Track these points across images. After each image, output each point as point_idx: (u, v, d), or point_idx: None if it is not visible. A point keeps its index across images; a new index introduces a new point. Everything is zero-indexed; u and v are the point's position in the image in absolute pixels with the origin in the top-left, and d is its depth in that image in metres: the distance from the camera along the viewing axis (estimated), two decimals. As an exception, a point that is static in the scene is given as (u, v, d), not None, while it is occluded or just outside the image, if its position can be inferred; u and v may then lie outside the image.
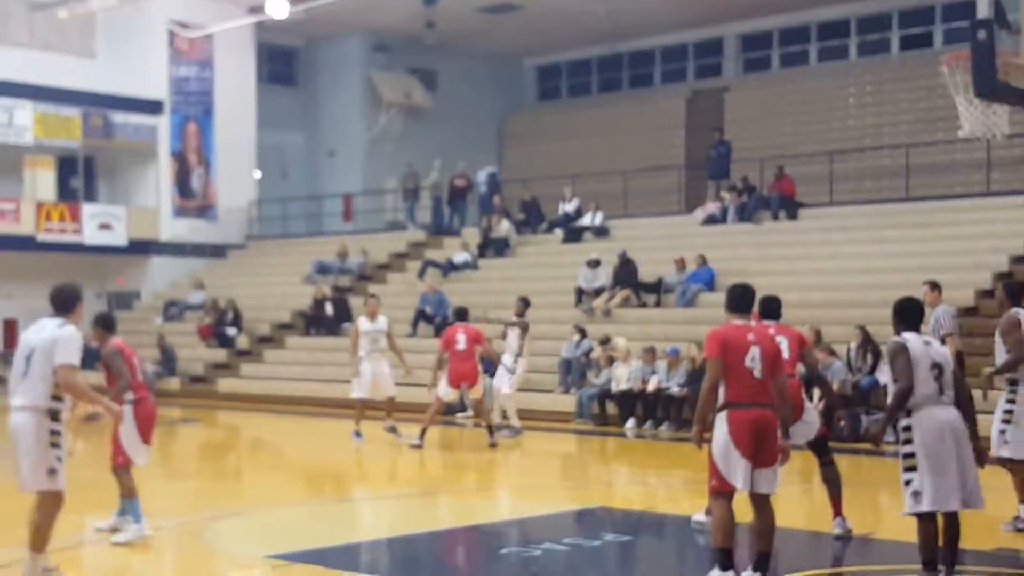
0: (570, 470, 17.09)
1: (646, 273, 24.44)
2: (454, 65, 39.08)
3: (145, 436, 10.33)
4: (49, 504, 8.26)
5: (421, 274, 28.57)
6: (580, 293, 24.62)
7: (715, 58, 37.75)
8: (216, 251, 35.18)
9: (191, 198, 35.26)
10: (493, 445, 17.48)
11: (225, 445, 20.23)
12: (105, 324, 10.54)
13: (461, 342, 17.34)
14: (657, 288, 24.14)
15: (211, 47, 34.72)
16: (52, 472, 8.18)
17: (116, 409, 8.64)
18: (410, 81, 38.47)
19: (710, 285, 23.25)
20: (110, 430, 10.24)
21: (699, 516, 10.79)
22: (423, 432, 17.27)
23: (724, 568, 8.27)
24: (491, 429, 17.84)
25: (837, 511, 10.54)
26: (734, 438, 8.21)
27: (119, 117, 33.46)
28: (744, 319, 8.61)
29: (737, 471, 8.21)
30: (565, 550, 10.08)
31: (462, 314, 18.45)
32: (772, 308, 10.54)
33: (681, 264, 24.04)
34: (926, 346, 8.28)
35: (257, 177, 36.80)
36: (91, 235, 32.64)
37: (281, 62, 39.05)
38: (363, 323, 18.07)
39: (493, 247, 29.20)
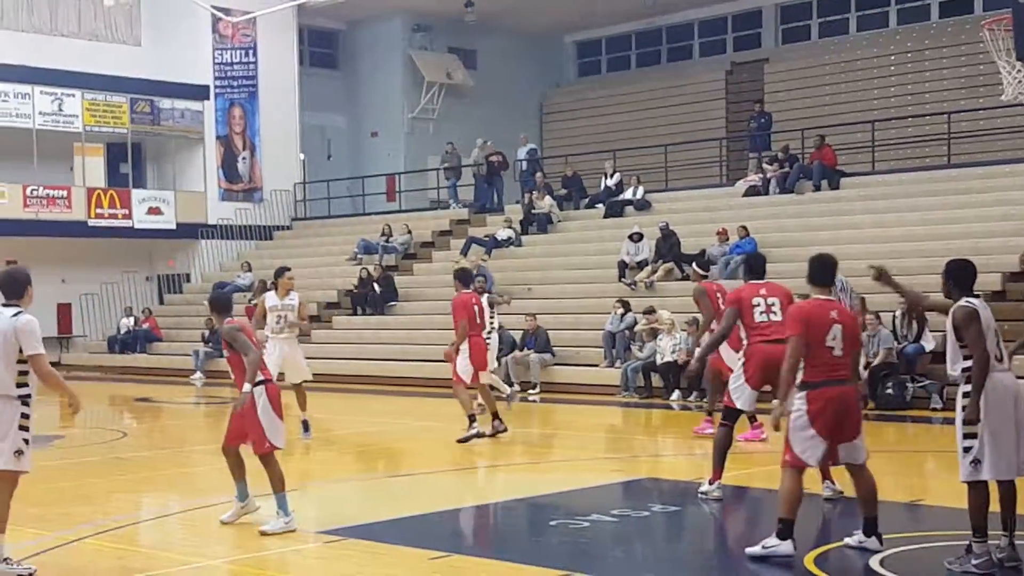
0: (616, 442, 17.23)
1: (688, 245, 24.54)
2: (494, 43, 39.19)
3: (280, 414, 9.90)
4: (11, 484, 8.43)
5: (465, 251, 28.79)
6: (623, 267, 24.76)
7: (754, 29, 37.67)
8: (263, 233, 35.60)
9: (237, 181, 35.69)
10: (468, 440, 15.21)
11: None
12: (217, 306, 10.27)
13: (478, 314, 15.32)
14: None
15: (254, 32, 35.05)
16: (19, 453, 8.32)
17: (78, 402, 8.50)
18: (450, 60, 38.62)
19: (753, 256, 23.33)
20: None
21: (705, 486, 10.90)
22: (495, 416, 15.54)
23: (783, 537, 8.28)
24: (472, 419, 15.31)
25: (826, 475, 10.57)
26: (813, 417, 8.19)
27: (166, 103, 33.96)
28: (826, 292, 8.50)
29: (814, 450, 8.24)
30: (613, 521, 10.17)
31: (467, 278, 15.87)
32: (759, 266, 10.83)
33: (724, 236, 24.13)
34: (985, 310, 7.98)
35: (301, 159, 37.15)
36: (141, 219, 33.18)
37: (323, 45, 39.33)
38: (270, 298, 15.83)
39: (536, 223, 29.36)
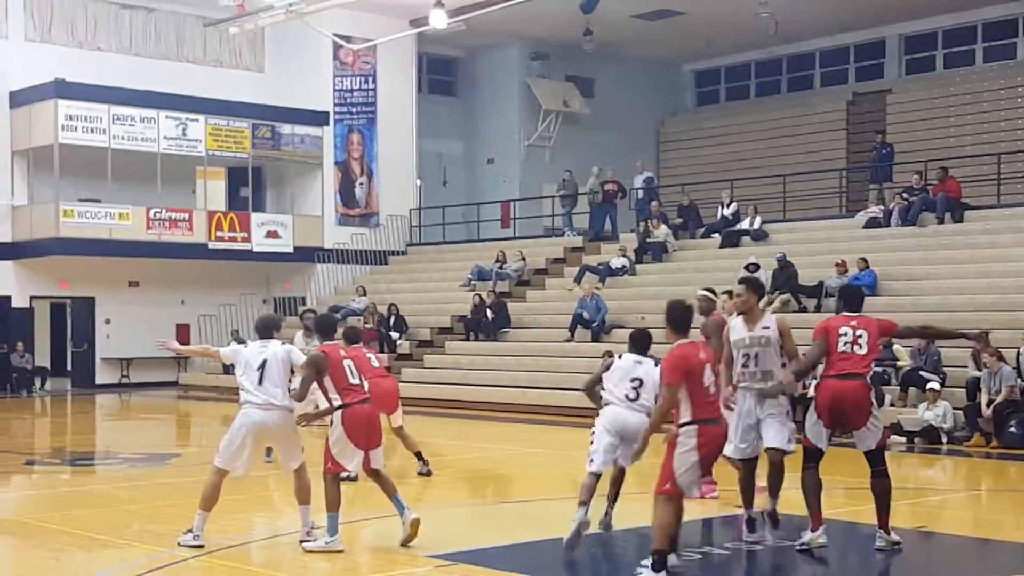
0: (733, 474, 16.85)
1: (806, 277, 24.17)
2: (612, 71, 39.17)
3: (356, 441, 10.07)
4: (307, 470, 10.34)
5: (578, 279, 28.72)
6: (739, 298, 24.41)
7: (877, 60, 37.15)
8: (378, 258, 35.92)
9: (354, 206, 36.09)
10: (426, 473, 14.86)
11: (386, 446, 20.58)
12: (316, 329, 11.27)
13: (372, 359, 14.03)
14: (818, 292, 23.84)
15: (374, 59, 35.50)
16: (303, 449, 10.39)
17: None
18: (568, 88, 38.67)
19: (872, 289, 22.89)
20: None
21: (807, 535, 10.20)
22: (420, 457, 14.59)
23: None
24: (420, 455, 14.98)
25: (882, 525, 10.00)
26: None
27: (286, 128, 34.46)
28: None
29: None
30: (726, 554, 10.12)
31: (353, 337, 13.66)
32: (853, 299, 10.75)
33: (843, 267, 23.71)
34: None
35: (418, 185, 37.45)
36: (259, 243, 33.64)
37: (441, 72, 39.67)
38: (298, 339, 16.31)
39: (651, 252, 29.18)
